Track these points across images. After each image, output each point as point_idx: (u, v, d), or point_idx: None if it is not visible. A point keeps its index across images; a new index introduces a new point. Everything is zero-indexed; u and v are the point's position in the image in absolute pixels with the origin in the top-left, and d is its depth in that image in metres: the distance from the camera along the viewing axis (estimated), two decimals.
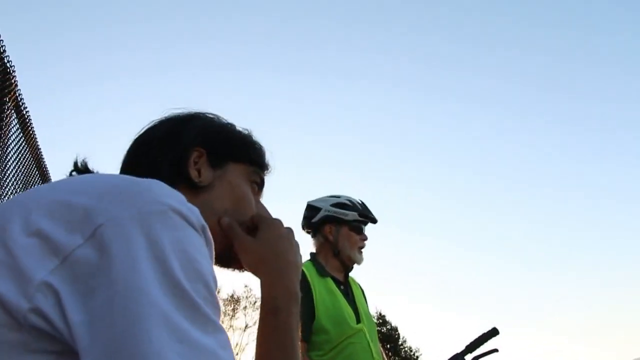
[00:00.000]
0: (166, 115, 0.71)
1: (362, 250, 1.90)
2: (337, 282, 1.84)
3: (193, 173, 0.65)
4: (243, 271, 0.69)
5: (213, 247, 0.48)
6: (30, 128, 3.52)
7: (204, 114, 0.72)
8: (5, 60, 2.92)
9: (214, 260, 0.48)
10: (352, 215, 1.87)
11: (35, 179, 3.64)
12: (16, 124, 3.26)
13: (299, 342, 0.59)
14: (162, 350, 0.38)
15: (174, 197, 0.46)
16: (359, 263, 1.89)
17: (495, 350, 1.70)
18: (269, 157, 0.73)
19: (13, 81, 3.13)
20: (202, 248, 0.45)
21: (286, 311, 0.60)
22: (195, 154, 0.66)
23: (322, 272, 1.82)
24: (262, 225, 0.68)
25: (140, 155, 0.67)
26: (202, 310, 0.42)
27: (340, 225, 1.87)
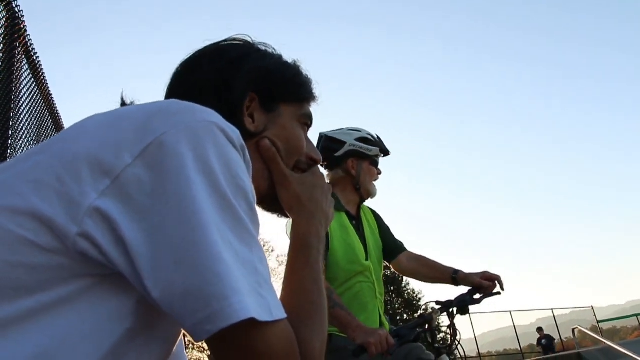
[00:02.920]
0: (210, 49, 0.67)
1: (376, 183, 1.94)
2: (350, 217, 1.86)
3: (247, 121, 0.64)
4: (280, 217, 0.69)
5: (251, 167, 0.50)
6: (41, 75, 3.55)
7: (253, 48, 0.68)
8: (14, 5, 2.91)
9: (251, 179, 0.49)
10: (374, 150, 1.90)
11: (48, 126, 3.71)
12: (27, 69, 3.29)
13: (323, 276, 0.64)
14: (221, 253, 0.41)
15: (216, 116, 0.48)
16: (374, 196, 1.93)
17: (498, 293, 1.70)
18: (316, 88, 0.71)
19: (22, 26, 3.14)
20: (242, 166, 0.47)
21: (316, 249, 0.62)
22: (248, 100, 0.64)
23: (337, 206, 1.81)
24: (309, 170, 0.69)
25: (194, 96, 0.61)
26: (245, 224, 0.45)
27: (362, 159, 1.89)
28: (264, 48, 0.69)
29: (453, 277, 1.78)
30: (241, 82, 0.64)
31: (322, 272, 0.61)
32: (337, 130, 1.92)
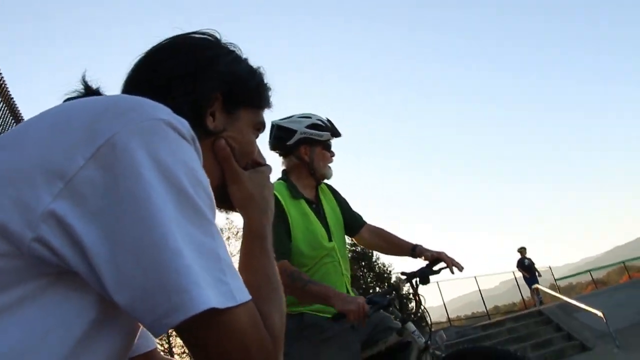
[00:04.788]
0: (181, 40, 0.67)
1: (330, 165, 1.98)
2: (309, 202, 1.90)
3: (208, 119, 0.65)
4: (229, 212, 0.72)
5: (201, 156, 0.51)
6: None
7: (224, 48, 0.69)
8: None
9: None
10: (325, 135, 1.93)
11: (5, 116, 3.46)
12: None
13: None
14: (180, 249, 0.41)
15: (165, 111, 0.48)
16: (330, 178, 1.97)
17: (459, 269, 1.85)
18: (273, 97, 0.74)
19: None
20: (196, 157, 0.48)
21: (268, 239, 0.67)
22: (212, 99, 0.65)
23: (295, 194, 1.86)
24: (257, 169, 0.71)
25: (156, 87, 0.62)
26: (205, 214, 0.45)
27: (314, 145, 1.92)
28: (233, 49, 0.70)
29: (412, 251, 1.95)
30: (211, 82, 0.64)
31: (274, 258, 0.66)
32: (287, 118, 1.95)
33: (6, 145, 0.46)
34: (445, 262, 1.86)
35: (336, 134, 1.97)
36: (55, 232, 0.41)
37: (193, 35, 0.68)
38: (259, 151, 0.73)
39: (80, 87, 0.62)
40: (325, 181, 2.02)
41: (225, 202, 0.70)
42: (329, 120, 1.97)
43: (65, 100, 0.59)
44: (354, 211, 2.09)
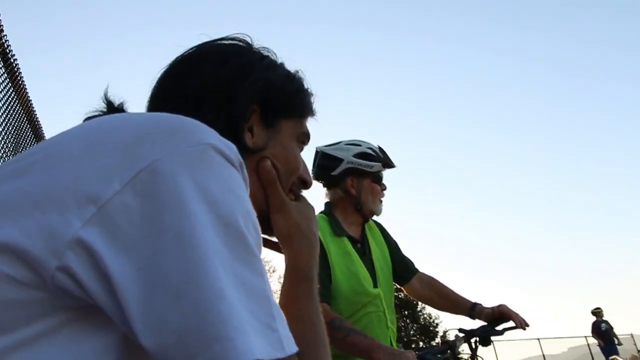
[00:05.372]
0: (210, 49, 0.64)
1: (382, 200, 1.80)
2: (353, 241, 1.71)
3: (247, 136, 0.62)
4: (267, 245, 0.68)
5: (249, 184, 0.49)
6: (19, 77, 3.30)
7: (257, 54, 0.65)
8: None
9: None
10: (376, 166, 1.74)
11: (27, 134, 3.46)
12: (4, 73, 3.04)
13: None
14: (225, 290, 0.38)
15: (212, 134, 0.46)
16: (379, 214, 1.79)
17: (522, 328, 1.70)
18: (315, 103, 0.70)
19: None
20: (244, 186, 0.45)
21: (314, 281, 0.64)
22: (249, 113, 0.62)
23: (338, 231, 1.69)
24: (302, 200, 0.68)
25: (184, 102, 0.59)
26: (254, 250, 0.42)
27: (363, 177, 1.74)
28: (267, 54, 0.67)
29: (470, 310, 1.76)
30: (246, 94, 0.61)
31: (319, 304, 0.62)
32: (333, 145, 1.78)
33: (31, 165, 0.43)
34: (512, 320, 1.67)
35: (389, 164, 1.79)
36: (82, 261, 0.39)
37: (221, 41, 0.66)
38: (305, 167, 0.69)
39: (101, 105, 0.60)
40: (375, 218, 1.84)
41: (266, 232, 0.66)
42: (380, 149, 1.79)
43: (85, 119, 0.57)
44: (404, 256, 1.89)
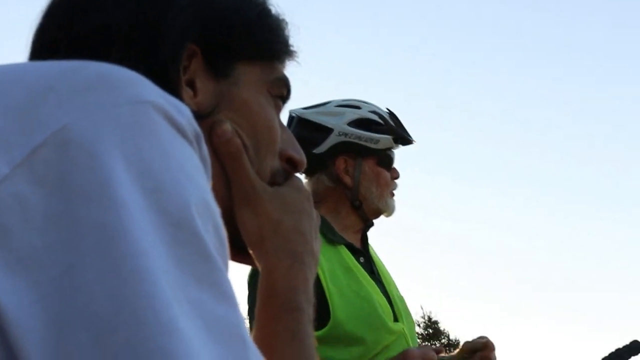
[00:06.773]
0: None
1: (394, 193, 1.27)
2: (354, 251, 1.23)
3: (186, 93, 0.43)
4: (235, 258, 0.48)
5: (210, 167, 0.35)
6: None
7: None
8: None
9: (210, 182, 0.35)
10: (384, 140, 1.20)
11: None
12: None
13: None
14: (176, 324, 0.27)
15: (151, 89, 0.33)
16: (390, 214, 1.26)
17: None
18: (294, 37, 0.50)
19: None
20: (202, 169, 0.33)
21: (307, 314, 0.45)
22: (185, 56, 0.43)
23: (330, 237, 1.19)
24: (287, 182, 0.48)
25: (83, 49, 0.41)
26: (217, 264, 0.30)
27: (363, 156, 1.21)
28: None
29: None
30: (175, 28, 0.43)
31: (314, 343, 0.45)
32: (317, 106, 1.24)
33: None
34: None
35: (404, 138, 1.25)
36: None
37: None
38: (289, 135, 0.49)
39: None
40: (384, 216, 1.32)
41: (233, 239, 0.45)
42: (391, 114, 1.26)
43: None
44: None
